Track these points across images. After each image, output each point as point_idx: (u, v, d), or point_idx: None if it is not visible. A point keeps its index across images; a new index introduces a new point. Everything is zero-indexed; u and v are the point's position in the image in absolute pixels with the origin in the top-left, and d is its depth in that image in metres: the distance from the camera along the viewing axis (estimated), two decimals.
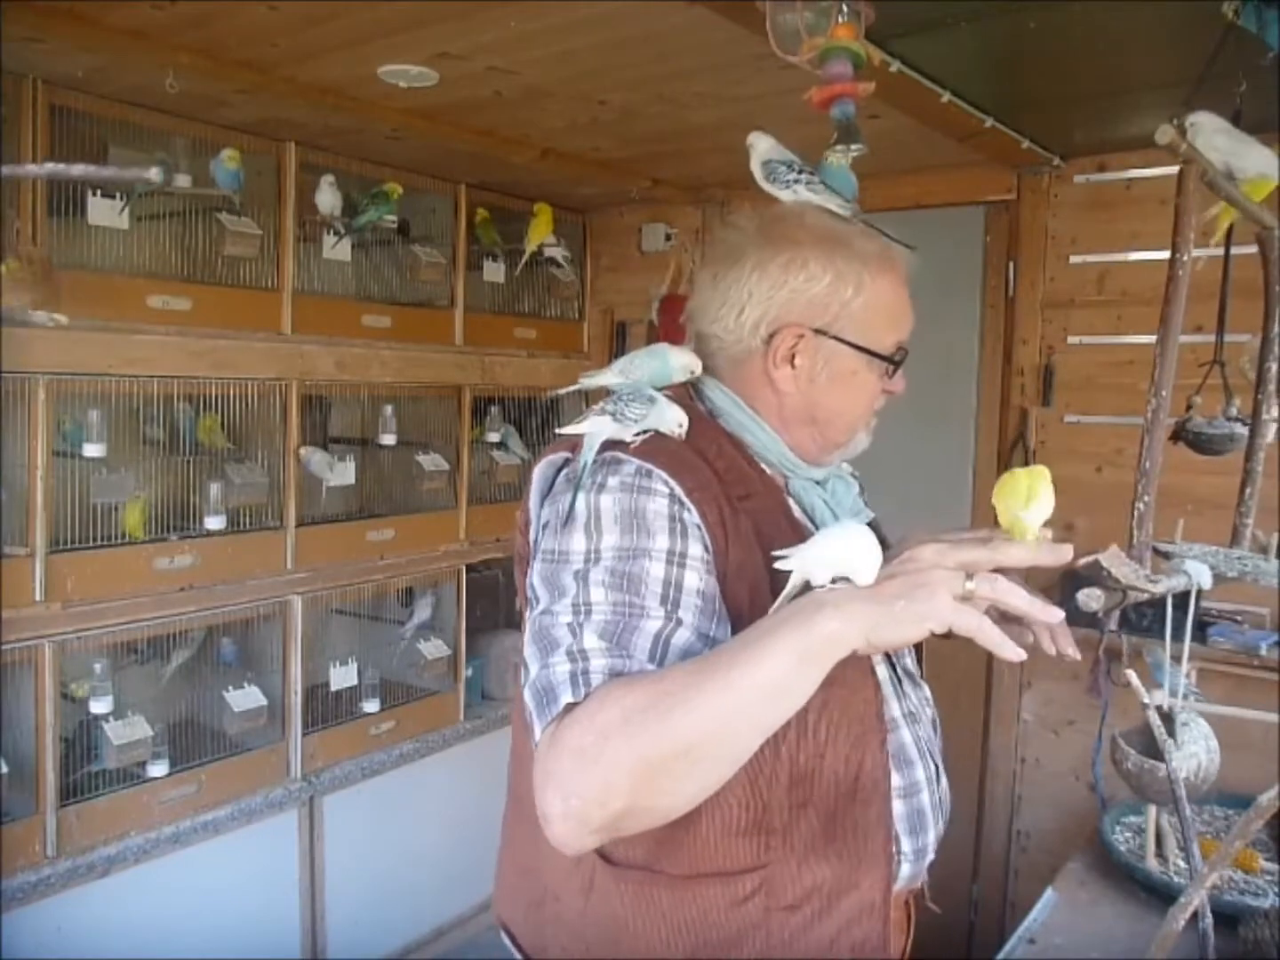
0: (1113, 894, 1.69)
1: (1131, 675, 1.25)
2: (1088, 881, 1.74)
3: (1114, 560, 1.09)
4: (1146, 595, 1.14)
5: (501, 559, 3.11)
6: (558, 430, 1.10)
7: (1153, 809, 1.75)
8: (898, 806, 1.08)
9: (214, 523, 2.30)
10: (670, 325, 3.11)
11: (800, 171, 1.19)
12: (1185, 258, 1.13)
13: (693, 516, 0.99)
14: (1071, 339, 2.49)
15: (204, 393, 2.29)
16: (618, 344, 3.25)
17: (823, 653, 0.83)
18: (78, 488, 2.08)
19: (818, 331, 1.10)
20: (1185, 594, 1.27)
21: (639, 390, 1.07)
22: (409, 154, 2.54)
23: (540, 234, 2.92)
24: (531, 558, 1.05)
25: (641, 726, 0.83)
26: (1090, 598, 1.09)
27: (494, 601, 3.28)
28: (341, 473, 2.55)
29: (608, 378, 1.12)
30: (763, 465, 1.13)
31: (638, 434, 1.04)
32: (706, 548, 0.98)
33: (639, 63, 1.85)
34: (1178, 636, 1.28)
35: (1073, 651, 1.05)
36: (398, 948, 2.78)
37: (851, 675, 1.02)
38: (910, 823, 1.10)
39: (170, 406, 2.31)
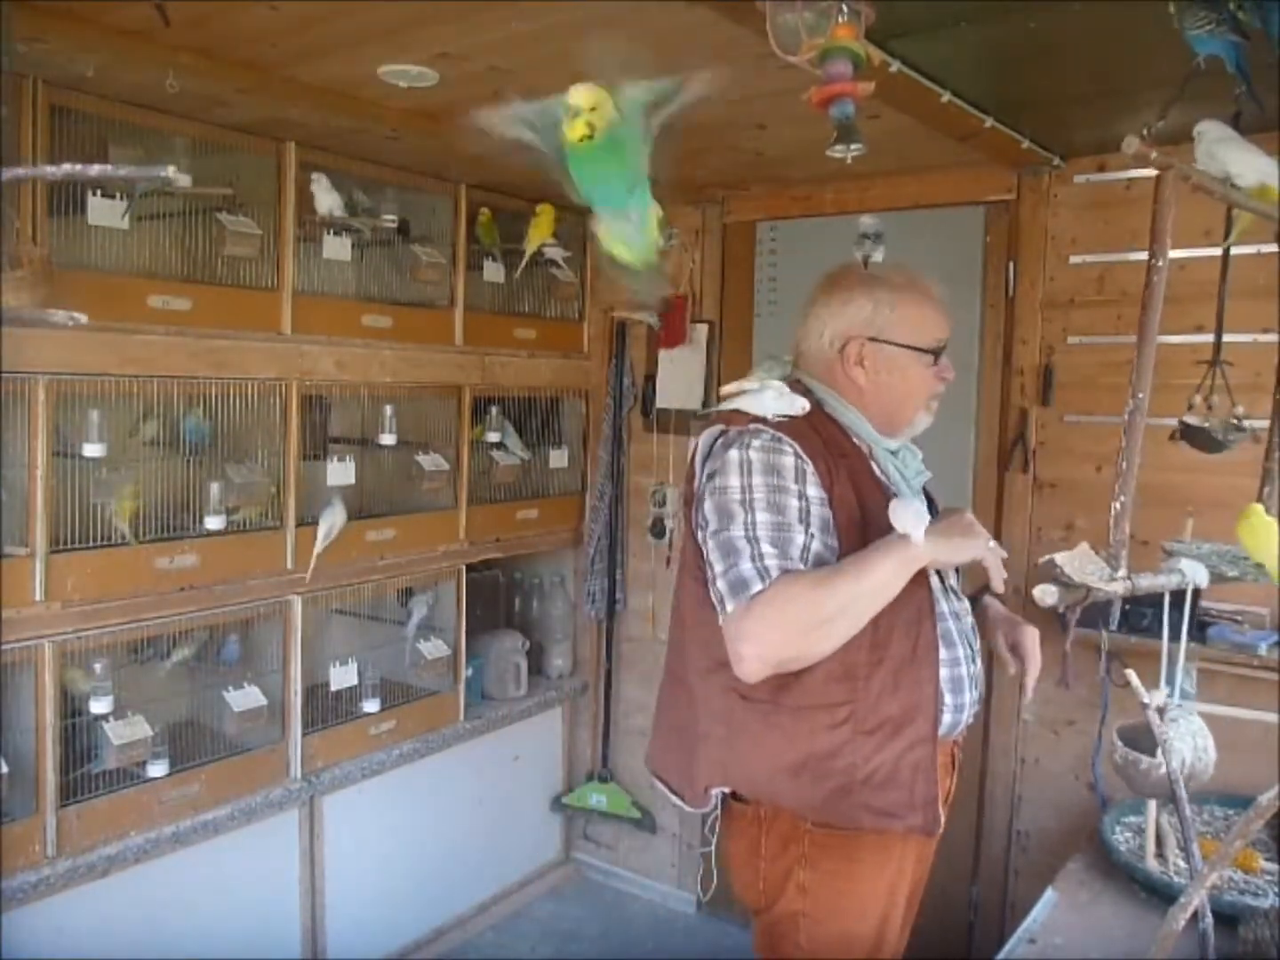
0: (1113, 894, 1.69)
1: (1132, 675, 1.26)
2: (1088, 881, 1.74)
3: (1069, 559, 1.15)
4: (1125, 593, 1.16)
5: (501, 559, 3.11)
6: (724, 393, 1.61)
7: (1152, 809, 1.75)
8: (943, 672, 1.53)
9: (214, 523, 2.30)
10: (674, 323, 3.10)
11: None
12: (1161, 263, 1.14)
13: (809, 466, 1.47)
14: (1071, 339, 2.49)
15: (204, 392, 2.29)
16: (617, 344, 3.25)
17: (909, 563, 1.38)
18: (78, 488, 2.08)
19: (871, 339, 1.57)
20: (1181, 592, 1.27)
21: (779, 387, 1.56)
22: (409, 154, 2.54)
23: (541, 234, 2.92)
24: (697, 497, 1.51)
25: (803, 605, 1.36)
26: (1045, 593, 1.19)
27: (494, 601, 3.28)
28: (342, 473, 2.56)
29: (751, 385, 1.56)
30: (853, 438, 1.59)
31: (776, 415, 1.50)
32: (819, 486, 1.47)
33: (639, 63, 1.85)
34: (1175, 636, 1.29)
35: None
36: (397, 948, 2.78)
37: (912, 581, 1.48)
38: (952, 684, 1.54)
39: (170, 406, 2.30)
